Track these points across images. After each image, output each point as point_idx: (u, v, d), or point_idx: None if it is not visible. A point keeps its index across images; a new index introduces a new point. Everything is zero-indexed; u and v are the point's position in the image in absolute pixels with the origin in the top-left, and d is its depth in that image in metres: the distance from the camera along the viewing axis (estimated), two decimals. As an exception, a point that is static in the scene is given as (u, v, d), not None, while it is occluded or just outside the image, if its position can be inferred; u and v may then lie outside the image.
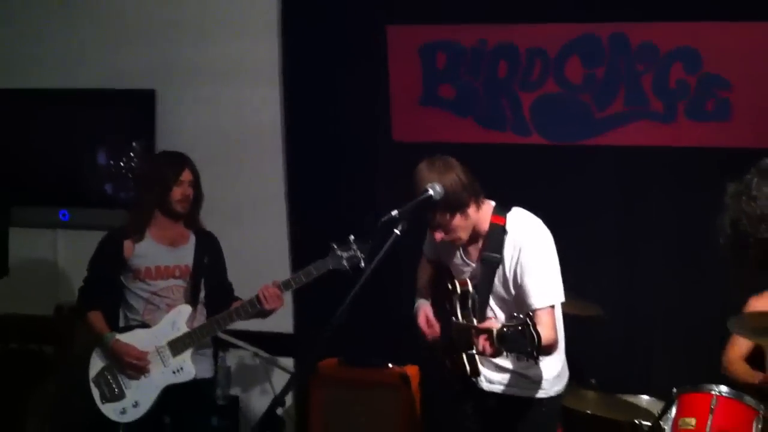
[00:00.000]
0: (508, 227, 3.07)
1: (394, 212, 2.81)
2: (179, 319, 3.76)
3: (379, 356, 4.54)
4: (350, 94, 4.91)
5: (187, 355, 3.72)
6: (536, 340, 2.55)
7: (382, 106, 4.87)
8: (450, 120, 4.81)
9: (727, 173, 4.44)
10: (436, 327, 3.22)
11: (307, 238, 4.92)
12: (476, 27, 4.73)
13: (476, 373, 3.02)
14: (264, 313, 3.70)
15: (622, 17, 4.49)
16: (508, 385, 3.17)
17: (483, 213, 3.10)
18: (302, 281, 3.61)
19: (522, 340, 2.57)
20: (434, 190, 2.93)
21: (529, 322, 2.56)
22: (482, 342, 2.72)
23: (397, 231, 2.79)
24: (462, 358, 3.00)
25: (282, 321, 4.54)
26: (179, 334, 3.72)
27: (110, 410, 3.71)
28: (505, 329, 2.63)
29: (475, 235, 3.12)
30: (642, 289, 4.54)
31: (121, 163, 5.27)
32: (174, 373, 3.71)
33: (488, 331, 2.70)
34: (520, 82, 4.69)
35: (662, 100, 4.50)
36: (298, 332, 5.01)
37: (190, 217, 3.89)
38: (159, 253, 3.82)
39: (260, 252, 4.88)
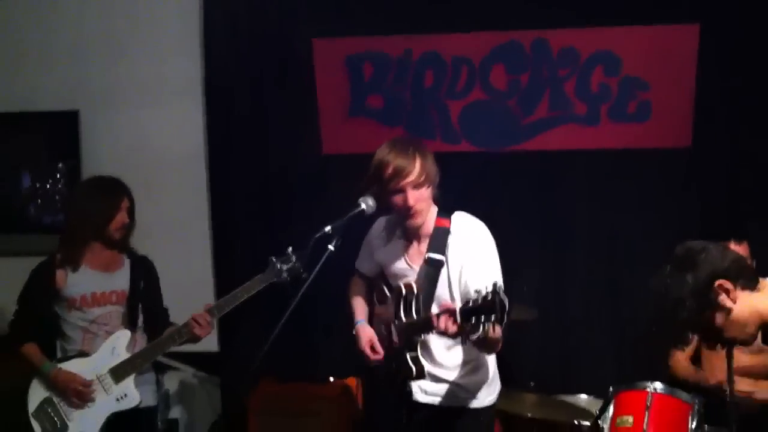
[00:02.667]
0: (452, 229, 3.08)
1: (327, 228, 2.81)
2: (118, 344, 3.65)
3: (319, 370, 4.52)
4: (277, 110, 4.89)
5: (129, 381, 3.61)
6: (506, 306, 2.51)
7: (310, 120, 4.86)
8: (379, 130, 4.82)
9: (651, 173, 4.58)
10: (381, 353, 3.15)
11: (234, 259, 4.89)
12: (401, 38, 4.77)
13: (422, 374, 2.99)
14: (195, 339, 3.62)
15: (544, 24, 4.58)
16: (444, 396, 3.15)
17: (430, 212, 3.11)
18: (241, 298, 3.46)
19: (491, 310, 2.52)
20: (366, 204, 2.94)
21: (497, 290, 2.52)
22: (444, 321, 2.69)
23: (331, 247, 2.79)
24: (406, 361, 2.97)
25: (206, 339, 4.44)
26: (120, 360, 3.62)
27: None
28: (469, 304, 2.60)
29: (419, 236, 3.11)
30: (573, 290, 4.62)
31: (47, 186, 5.14)
32: (117, 400, 3.61)
33: (450, 311, 2.69)
34: (447, 91, 4.75)
35: (585, 103, 4.61)
36: (224, 350, 4.94)
37: (123, 242, 3.78)
38: (94, 279, 3.69)
39: (185, 274, 4.70)
